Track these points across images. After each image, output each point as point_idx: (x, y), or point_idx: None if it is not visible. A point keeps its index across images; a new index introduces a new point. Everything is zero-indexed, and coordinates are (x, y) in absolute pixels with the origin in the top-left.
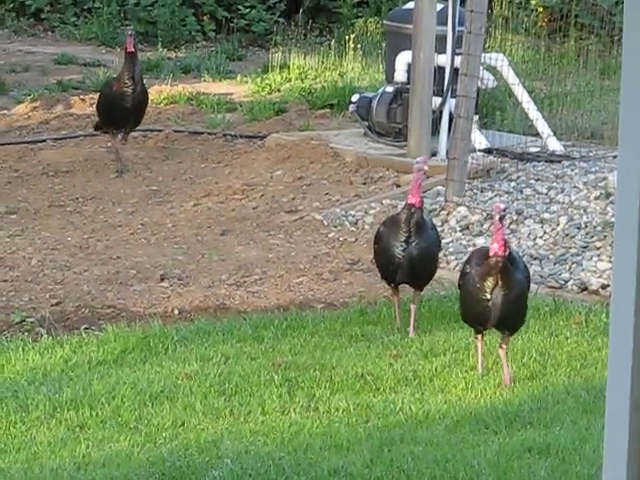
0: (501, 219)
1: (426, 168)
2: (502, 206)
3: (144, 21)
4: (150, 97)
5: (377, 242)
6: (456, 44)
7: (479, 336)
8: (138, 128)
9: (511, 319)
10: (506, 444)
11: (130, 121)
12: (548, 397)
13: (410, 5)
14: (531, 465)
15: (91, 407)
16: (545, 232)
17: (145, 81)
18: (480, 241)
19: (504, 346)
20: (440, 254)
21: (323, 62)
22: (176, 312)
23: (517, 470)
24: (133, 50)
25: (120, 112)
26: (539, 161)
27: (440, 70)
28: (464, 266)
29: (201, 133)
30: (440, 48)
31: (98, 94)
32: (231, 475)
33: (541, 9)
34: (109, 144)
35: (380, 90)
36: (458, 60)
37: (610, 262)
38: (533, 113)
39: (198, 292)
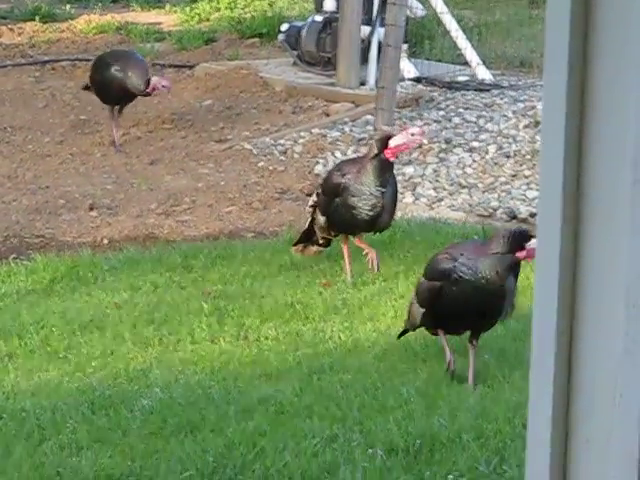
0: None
1: (425, 142)
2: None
3: None
4: (79, 27)
5: (344, 193)
6: None
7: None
8: (67, 58)
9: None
10: (435, 372)
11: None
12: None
13: None
14: (460, 393)
15: (20, 337)
16: (474, 160)
17: (73, 10)
18: (409, 170)
19: (475, 343)
20: None
21: None
22: (105, 241)
23: (446, 398)
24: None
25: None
26: (468, 90)
27: None
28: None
29: None
30: None
31: (92, 66)
32: (160, 404)
33: None
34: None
35: (309, 19)
36: None
37: (539, 190)
38: (462, 42)
39: (127, 221)
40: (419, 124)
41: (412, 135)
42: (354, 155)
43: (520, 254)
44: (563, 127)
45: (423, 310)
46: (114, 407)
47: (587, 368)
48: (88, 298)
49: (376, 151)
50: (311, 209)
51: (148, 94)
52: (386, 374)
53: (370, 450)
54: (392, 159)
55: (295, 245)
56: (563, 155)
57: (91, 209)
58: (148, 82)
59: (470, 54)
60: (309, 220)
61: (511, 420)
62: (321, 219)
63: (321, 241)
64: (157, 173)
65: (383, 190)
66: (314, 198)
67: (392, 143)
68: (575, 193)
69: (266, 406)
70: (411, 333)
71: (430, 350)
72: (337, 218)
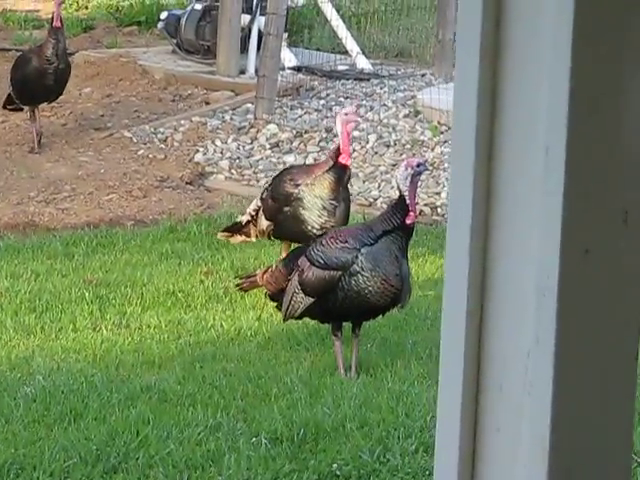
0: (413, 177)
1: (359, 120)
2: (416, 161)
3: None
4: None
5: (294, 204)
6: None
7: (338, 334)
8: None
9: None
10: (318, 361)
11: (49, 97)
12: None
13: None
14: (343, 382)
15: None
16: (355, 150)
17: None
18: (290, 159)
19: (357, 332)
20: (250, 172)
21: None
22: None
23: (329, 386)
24: (60, 25)
25: (39, 88)
26: (348, 79)
27: None
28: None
29: (9, 50)
30: None
31: (13, 66)
32: (43, 392)
33: None
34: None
35: (189, 7)
36: None
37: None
38: (342, 31)
39: (7, 209)
40: (299, 113)
41: (346, 115)
42: (235, 143)
43: (409, 219)
44: (474, 117)
45: (311, 300)
46: None
47: (497, 357)
48: None
49: (331, 163)
50: (254, 213)
51: None
52: (269, 363)
53: (254, 439)
54: (348, 161)
55: (223, 231)
56: (474, 145)
57: None
58: None
59: (350, 43)
60: (247, 219)
61: (394, 409)
62: (264, 223)
63: (254, 238)
64: (37, 161)
65: (336, 205)
66: (257, 203)
67: (339, 143)
68: (486, 178)
69: (149, 394)
70: (295, 322)
71: (313, 339)
72: (284, 227)
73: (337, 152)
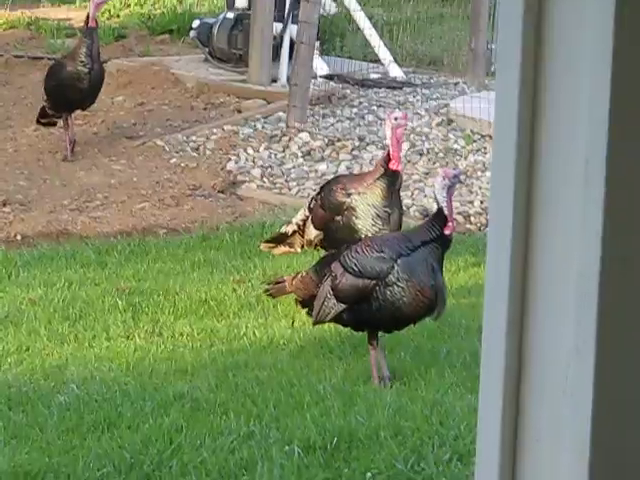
0: (450, 188)
1: (408, 124)
2: (453, 172)
3: None
4: None
5: (347, 213)
6: None
7: (374, 343)
8: None
9: None
10: (351, 369)
11: (84, 103)
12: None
13: None
14: (377, 390)
15: None
16: None
17: None
18: (322, 167)
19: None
20: (282, 180)
21: None
22: (19, 237)
23: (363, 395)
24: (95, 25)
25: (75, 93)
26: (380, 87)
27: None
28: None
29: (41, 58)
30: None
31: (47, 75)
32: (77, 400)
33: None
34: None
35: (221, 16)
36: None
37: None
38: (374, 40)
39: (40, 217)
40: (332, 121)
41: (395, 120)
42: (267, 151)
43: (447, 229)
44: (515, 128)
45: (343, 307)
46: (31, 403)
47: (538, 367)
48: (2, 294)
49: (382, 170)
50: (302, 223)
51: None
52: (302, 371)
53: (287, 447)
54: (398, 167)
55: (267, 242)
56: (515, 156)
57: (4, 205)
58: None
59: (382, 52)
60: (293, 229)
61: (428, 418)
62: (313, 233)
63: (299, 249)
64: (70, 169)
65: (389, 212)
66: (305, 213)
67: (389, 149)
68: (527, 187)
69: (182, 402)
70: (327, 330)
71: (346, 347)
72: (335, 237)
73: (387, 158)
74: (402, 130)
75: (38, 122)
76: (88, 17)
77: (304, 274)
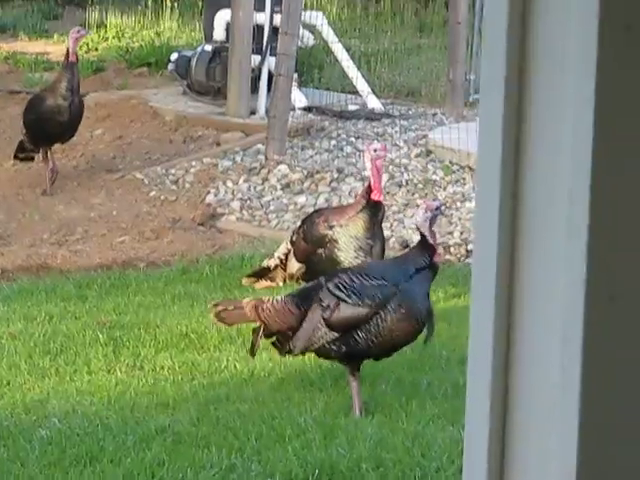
0: (432, 220)
1: (387, 155)
2: (435, 204)
3: None
4: None
5: (329, 245)
6: (274, 2)
7: (356, 374)
8: None
9: None
10: (332, 401)
11: (64, 136)
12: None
13: None
14: (358, 422)
15: None
16: None
17: None
18: (301, 199)
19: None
20: (261, 212)
21: (140, 21)
22: None
23: (344, 427)
24: (75, 60)
25: (54, 126)
26: (359, 119)
27: (259, 28)
28: None
29: (19, 92)
30: (259, 6)
31: (26, 108)
32: (59, 434)
33: None
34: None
35: (199, 49)
36: (276, 18)
37: None
38: (352, 71)
39: (20, 251)
40: (310, 153)
41: (375, 151)
42: (246, 184)
43: (436, 257)
44: (499, 161)
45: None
46: (12, 438)
47: (523, 406)
48: None
49: (364, 202)
50: (284, 256)
51: None
52: (283, 403)
53: None
54: (380, 197)
55: (248, 277)
56: (499, 182)
57: None
58: None
59: (360, 83)
60: (275, 263)
61: (410, 449)
62: (295, 266)
63: (280, 282)
64: (49, 203)
65: (372, 244)
66: (287, 247)
67: (369, 177)
68: (511, 222)
69: (164, 436)
70: (307, 363)
71: (326, 379)
72: (317, 269)
73: (368, 190)
74: (381, 161)
75: (15, 157)
76: (68, 51)
77: (276, 304)
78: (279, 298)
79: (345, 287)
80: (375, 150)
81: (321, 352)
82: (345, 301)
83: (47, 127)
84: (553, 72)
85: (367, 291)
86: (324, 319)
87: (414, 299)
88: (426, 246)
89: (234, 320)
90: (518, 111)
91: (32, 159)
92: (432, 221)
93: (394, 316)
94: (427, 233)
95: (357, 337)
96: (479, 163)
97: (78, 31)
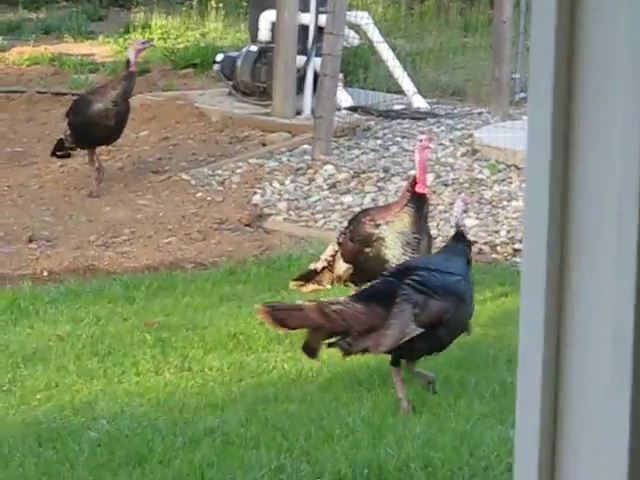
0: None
1: (431, 146)
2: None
3: None
4: (12, 58)
5: (376, 244)
6: (319, 2)
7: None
8: (0, 89)
9: None
10: (380, 401)
11: (111, 139)
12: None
13: None
14: (406, 422)
15: None
16: None
17: (6, 42)
18: (347, 199)
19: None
20: (308, 213)
21: (185, 22)
22: (45, 273)
23: (392, 427)
24: (135, 70)
25: (102, 130)
26: (404, 118)
27: (304, 29)
28: None
29: (65, 94)
30: (303, 7)
31: (71, 109)
32: (108, 436)
33: None
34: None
35: (244, 49)
36: (321, 18)
37: (477, 219)
38: (397, 71)
39: (67, 253)
40: (356, 153)
41: (420, 141)
42: (293, 184)
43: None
44: (548, 162)
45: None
46: (61, 440)
47: (574, 404)
48: (30, 330)
49: (409, 196)
50: (331, 258)
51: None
52: (331, 404)
53: None
54: (424, 189)
55: (295, 280)
56: (548, 190)
57: (30, 241)
58: None
59: (406, 83)
60: (323, 265)
61: (458, 449)
62: (342, 267)
63: (328, 285)
64: (95, 204)
65: (419, 238)
66: (334, 248)
67: (418, 171)
68: (560, 223)
69: (213, 437)
70: (355, 363)
71: (374, 379)
72: (365, 269)
73: (413, 183)
74: (427, 152)
75: (53, 154)
76: (129, 61)
77: (349, 305)
78: (344, 299)
79: (427, 284)
80: (420, 140)
81: (404, 349)
82: (432, 297)
83: (94, 130)
84: (602, 73)
85: (449, 286)
86: (414, 315)
87: (472, 290)
88: (463, 239)
89: (297, 324)
90: (567, 111)
91: (69, 156)
92: (465, 214)
93: (467, 309)
94: (462, 225)
95: (440, 332)
96: (528, 163)
97: (143, 43)
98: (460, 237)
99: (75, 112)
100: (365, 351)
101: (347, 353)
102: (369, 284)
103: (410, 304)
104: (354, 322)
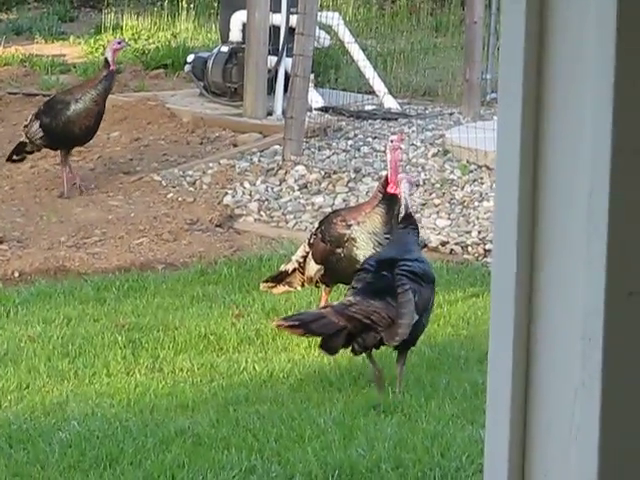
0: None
1: (403, 147)
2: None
3: None
4: None
5: (345, 244)
6: (290, 3)
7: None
8: None
9: None
10: (351, 402)
11: (87, 139)
12: (391, 355)
13: None
14: (377, 423)
15: None
16: None
17: None
18: (319, 200)
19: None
20: (279, 213)
21: (156, 22)
22: (16, 274)
23: (363, 428)
24: (114, 68)
25: (82, 130)
26: (375, 119)
27: (275, 29)
28: None
29: (36, 95)
30: (274, 7)
31: (46, 110)
32: (78, 437)
33: None
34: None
35: (215, 50)
36: (292, 19)
37: (449, 219)
38: (368, 71)
39: (38, 254)
40: (327, 154)
41: (392, 142)
42: (264, 185)
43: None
44: (518, 162)
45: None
46: (32, 441)
47: (544, 403)
48: (1, 331)
49: (380, 196)
50: (302, 259)
51: None
52: (302, 404)
53: None
54: (396, 190)
55: (266, 282)
56: (518, 190)
57: (0, 242)
58: None
59: (377, 83)
60: (293, 267)
61: (429, 449)
62: (314, 268)
63: (298, 287)
64: (66, 205)
65: (390, 238)
66: (305, 249)
67: (390, 171)
68: (530, 224)
69: (183, 438)
70: (326, 363)
71: (345, 379)
72: (336, 270)
73: (385, 183)
74: (399, 153)
75: (9, 159)
76: (107, 61)
77: (365, 303)
78: (353, 299)
79: (417, 272)
80: (392, 141)
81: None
82: (421, 285)
83: (72, 130)
84: (571, 73)
85: (428, 273)
86: (416, 304)
87: None
88: (413, 219)
89: (323, 331)
90: (537, 111)
91: (23, 160)
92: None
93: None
94: (409, 204)
95: (425, 318)
96: (498, 163)
97: (119, 42)
98: (409, 218)
99: (49, 113)
100: (379, 345)
101: (360, 351)
102: (364, 282)
103: (412, 293)
104: (377, 319)
